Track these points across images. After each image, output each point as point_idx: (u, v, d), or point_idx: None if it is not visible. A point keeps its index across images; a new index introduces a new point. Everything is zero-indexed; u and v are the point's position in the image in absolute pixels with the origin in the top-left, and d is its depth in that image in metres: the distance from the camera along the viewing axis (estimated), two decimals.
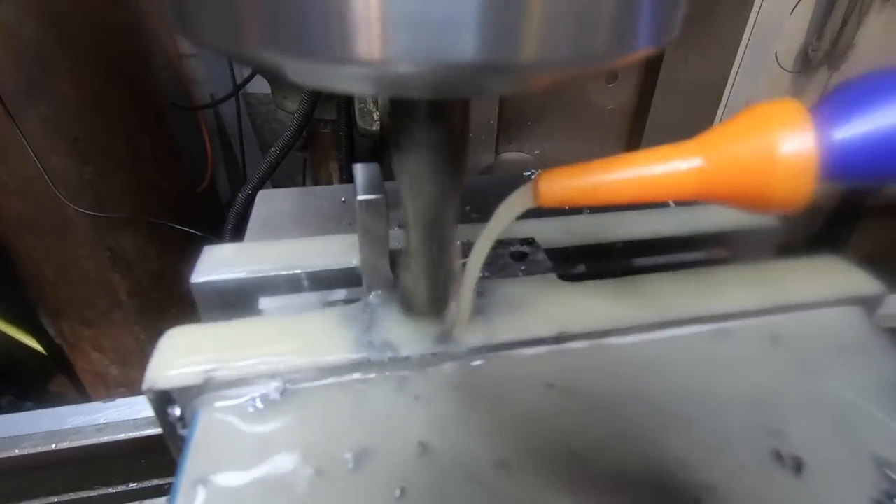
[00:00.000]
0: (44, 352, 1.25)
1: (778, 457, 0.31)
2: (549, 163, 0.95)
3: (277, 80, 1.04)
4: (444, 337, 0.35)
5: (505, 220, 0.30)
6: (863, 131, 0.23)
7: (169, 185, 1.07)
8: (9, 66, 0.79)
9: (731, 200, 0.25)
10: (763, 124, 0.24)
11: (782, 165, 0.23)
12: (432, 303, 0.35)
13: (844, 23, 1.19)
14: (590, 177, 0.26)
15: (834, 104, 0.24)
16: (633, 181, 0.26)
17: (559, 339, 0.36)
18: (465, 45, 0.16)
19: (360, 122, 0.75)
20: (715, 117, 0.93)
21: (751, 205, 0.25)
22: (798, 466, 0.31)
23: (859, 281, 0.41)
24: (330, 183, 1.09)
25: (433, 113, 0.27)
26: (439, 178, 0.29)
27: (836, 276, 0.42)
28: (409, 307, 0.36)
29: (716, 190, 0.25)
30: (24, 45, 0.79)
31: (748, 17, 0.84)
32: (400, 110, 0.27)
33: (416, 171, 0.29)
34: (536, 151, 0.94)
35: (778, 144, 0.23)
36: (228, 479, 0.28)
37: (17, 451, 0.44)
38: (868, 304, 0.41)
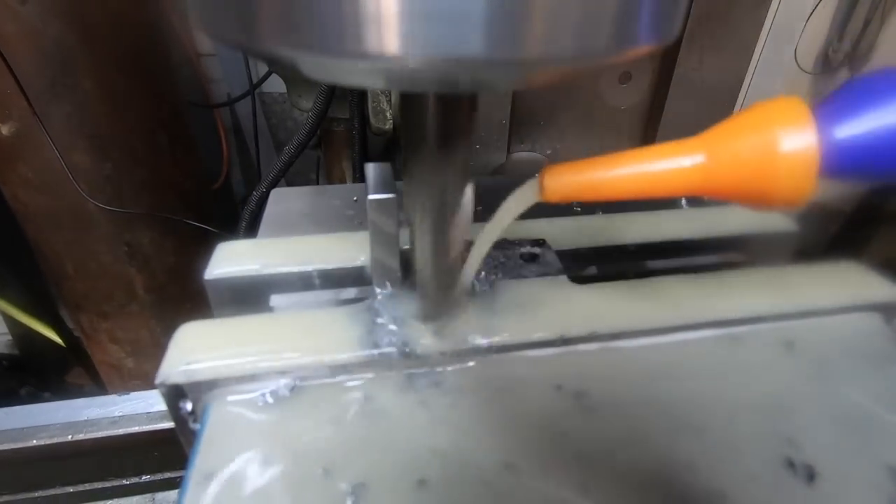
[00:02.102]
0: (63, 344, 1.27)
1: (790, 465, 0.31)
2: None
3: (292, 79, 1.05)
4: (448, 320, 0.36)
5: (513, 213, 0.31)
6: (862, 130, 0.23)
7: (186, 181, 1.09)
8: (34, 65, 0.81)
9: (733, 196, 0.26)
10: (765, 121, 0.24)
11: (783, 162, 0.23)
12: (440, 296, 0.35)
13: (867, 24, 1.16)
14: (595, 172, 0.27)
15: (836, 102, 0.24)
16: (637, 177, 0.26)
17: (569, 340, 0.36)
18: (472, 41, 0.17)
19: (373, 120, 0.76)
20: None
21: (753, 201, 0.25)
22: (811, 475, 0.30)
23: (879, 287, 0.41)
24: (343, 181, 1.10)
25: (441, 107, 0.27)
26: (446, 171, 0.30)
27: (854, 282, 0.41)
28: (422, 301, 0.36)
29: (719, 186, 0.25)
30: (48, 45, 0.81)
31: (765, 16, 0.83)
32: (410, 105, 0.28)
33: (424, 165, 0.29)
34: (548, 151, 0.93)
35: (779, 141, 0.23)
36: (238, 473, 0.29)
37: (34, 441, 0.45)
38: (887, 311, 0.40)
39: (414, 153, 0.29)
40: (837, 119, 0.24)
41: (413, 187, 0.31)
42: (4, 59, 0.77)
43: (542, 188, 0.28)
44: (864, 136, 0.23)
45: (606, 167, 0.27)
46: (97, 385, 1.30)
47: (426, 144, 0.28)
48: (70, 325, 1.32)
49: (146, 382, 0.93)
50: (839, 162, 0.24)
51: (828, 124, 0.24)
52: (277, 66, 0.20)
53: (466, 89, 0.26)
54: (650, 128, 0.93)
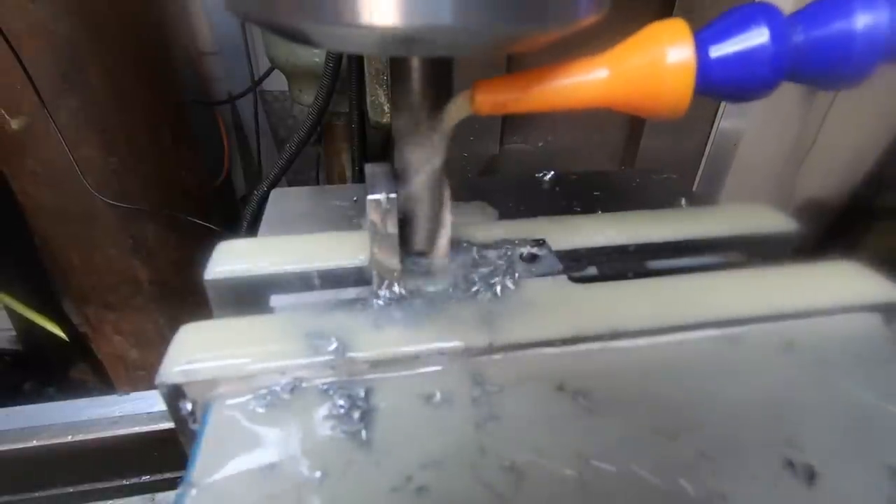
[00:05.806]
0: (66, 339, 1.28)
1: (790, 465, 0.30)
2: (552, 155, 0.94)
3: (293, 74, 1.05)
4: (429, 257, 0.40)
5: (450, 122, 0.34)
6: (729, 51, 0.29)
7: (188, 178, 1.09)
8: (44, 61, 0.82)
9: (630, 105, 0.30)
10: (655, 40, 0.29)
11: (668, 73, 0.29)
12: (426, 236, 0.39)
13: None
14: (518, 86, 0.31)
15: (713, 27, 0.29)
16: (554, 91, 0.31)
17: (569, 340, 0.36)
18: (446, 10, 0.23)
19: (371, 114, 0.75)
20: (717, 109, 0.92)
21: (645, 109, 0.30)
22: (811, 476, 0.30)
23: (878, 287, 0.40)
24: (342, 176, 1.10)
25: (423, 69, 0.32)
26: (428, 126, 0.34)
27: (854, 282, 0.41)
28: (406, 243, 0.39)
29: (619, 96, 0.30)
30: (59, 41, 0.82)
31: None
32: (397, 68, 0.33)
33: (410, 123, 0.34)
34: (540, 143, 0.93)
35: (666, 56, 0.29)
36: (237, 474, 0.29)
37: (34, 441, 0.45)
38: (887, 311, 0.40)
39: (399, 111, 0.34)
40: (712, 41, 0.29)
41: (403, 146, 0.36)
42: (16, 55, 0.78)
43: (473, 101, 0.31)
44: (731, 55, 0.29)
45: (528, 83, 0.31)
46: (101, 380, 1.31)
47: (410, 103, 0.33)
48: (74, 320, 1.32)
49: (150, 374, 0.94)
50: (710, 75, 0.29)
51: (704, 44, 0.29)
52: (292, 37, 0.26)
53: (444, 53, 0.30)
54: (637, 119, 0.93)
